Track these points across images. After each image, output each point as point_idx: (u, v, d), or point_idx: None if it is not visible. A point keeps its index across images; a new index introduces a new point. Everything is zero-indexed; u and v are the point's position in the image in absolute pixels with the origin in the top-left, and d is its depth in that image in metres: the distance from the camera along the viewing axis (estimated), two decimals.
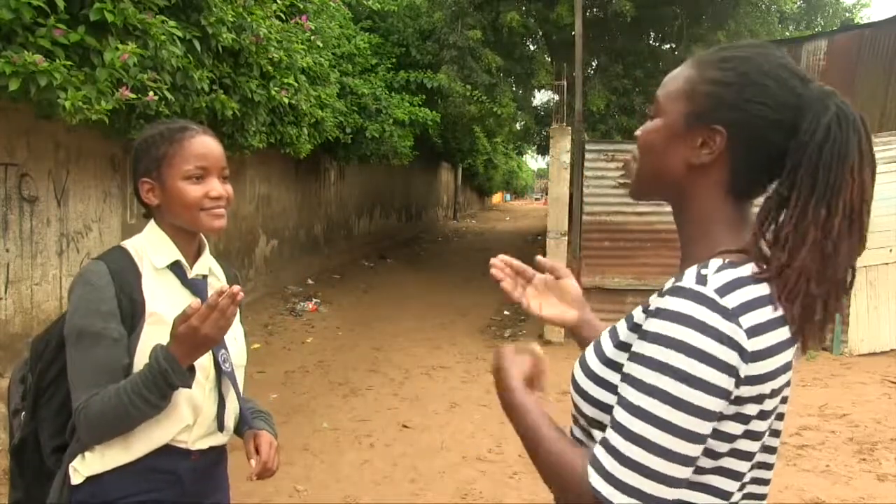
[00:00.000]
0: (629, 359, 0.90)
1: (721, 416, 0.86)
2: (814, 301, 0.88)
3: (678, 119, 0.97)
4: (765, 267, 0.90)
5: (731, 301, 0.85)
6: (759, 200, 0.97)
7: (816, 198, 0.87)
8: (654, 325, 0.88)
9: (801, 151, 0.89)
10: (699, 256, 0.94)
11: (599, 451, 0.88)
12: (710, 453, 0.89)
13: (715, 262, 0.90)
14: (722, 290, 0.86)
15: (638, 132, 1.04)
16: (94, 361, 1.34)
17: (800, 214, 0.88)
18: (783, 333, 0.89)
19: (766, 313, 0.87)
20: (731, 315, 0.84)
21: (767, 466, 0.98)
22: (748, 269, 0.89)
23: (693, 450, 0.85)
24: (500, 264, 1.30)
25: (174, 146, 1.41)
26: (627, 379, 0.89)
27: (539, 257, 1.33)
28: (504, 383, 1.06)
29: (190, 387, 1.33)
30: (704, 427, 0.85)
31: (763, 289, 0.88)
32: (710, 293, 0.85)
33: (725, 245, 0.94)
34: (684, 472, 0.86)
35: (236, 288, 1.28)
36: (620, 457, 0.86)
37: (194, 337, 1.27)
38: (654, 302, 0.91)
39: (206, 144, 1.43)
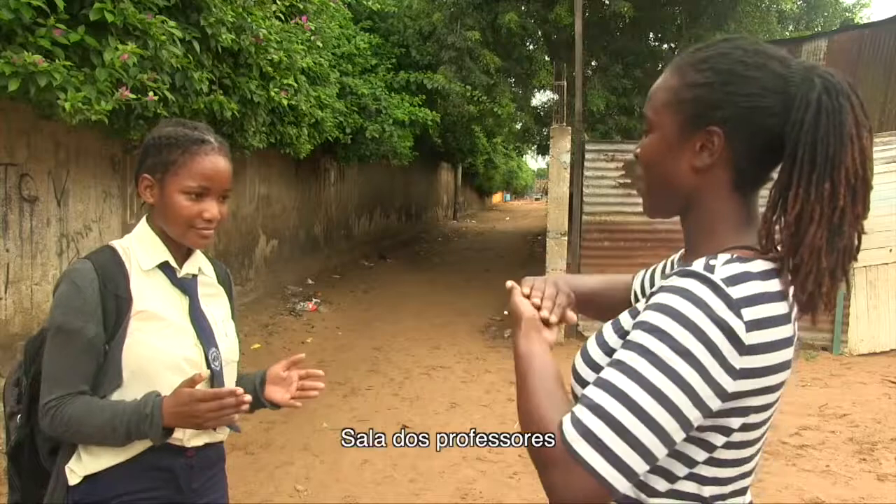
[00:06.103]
0: (632, 327, 0.90)
1: (711, 412, 0.86)
2: (824, 273, 0.88)
3: (673, 129, 0.97)
4: (777, 249, 0.90)
5: (736, 292, 0.85)
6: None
7: (818, 173, 0.87)
8: (658, 297, 0.89)
9: (797, 130, 0.88)
10: (704, 254, 0.94)
11: (579, 408, 0.86)
12: (706, 445, 0.90)
13: (723, 256, 0.90)
14: (728, 280, 0.86)
15: (637, 151, 1.04)
16: (68, 358, 1.36)
17: (804, 193, 0.88)
18: (785, 331, 0.89)
19: (770, 309, 0.87)
20: (734, 305, 0.84)
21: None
22: (757, 264, 0.89)
23: (675, 429, 0.84)
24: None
25: (185, 157, 1.40)
26: (626, 343, 0.88)
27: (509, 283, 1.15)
28: (516, 330, 1.02)
29: (156, 441, 1.35)
30: (688, 406, 0.83)
31: (769, 285, 0.88)
32: (717, 280, 0.86)
33: (732, 242, 0.94)
34: (662, 451, 0.84)
35: (247, 397, 1.31)
36: (604, 414, 0.84)
37: (187, 405, 1.30)
38: (659, 283, 0.92)
39: (215, 165, 1.43)
